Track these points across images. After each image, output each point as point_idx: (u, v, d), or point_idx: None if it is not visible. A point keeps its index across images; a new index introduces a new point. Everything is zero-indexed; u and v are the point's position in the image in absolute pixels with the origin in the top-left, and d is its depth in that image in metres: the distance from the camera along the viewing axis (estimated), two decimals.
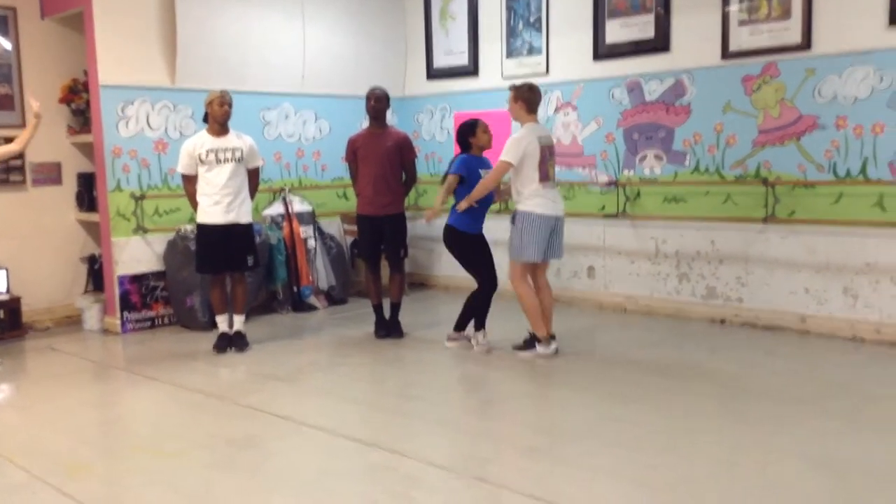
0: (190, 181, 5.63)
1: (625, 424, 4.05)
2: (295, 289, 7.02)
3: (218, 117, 5.56)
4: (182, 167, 5.61)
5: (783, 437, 3.83)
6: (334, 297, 7.30)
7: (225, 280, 5.74)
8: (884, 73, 5.29)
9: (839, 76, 5.48)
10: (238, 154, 5.58)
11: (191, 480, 3.53)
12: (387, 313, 6.05)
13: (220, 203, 5.53)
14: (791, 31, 5.64)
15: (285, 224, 7.04)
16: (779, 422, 4.04)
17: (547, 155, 5.18)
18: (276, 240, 6.91)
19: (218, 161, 5.52)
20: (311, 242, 7.16)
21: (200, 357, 5.64)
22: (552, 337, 5.33)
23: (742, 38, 5.88)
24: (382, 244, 5.97)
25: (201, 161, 5.52)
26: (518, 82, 5.39)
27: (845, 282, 5.58)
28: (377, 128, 5.95)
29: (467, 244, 5.43)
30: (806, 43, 5.59)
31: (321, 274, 7.23)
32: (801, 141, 5.69)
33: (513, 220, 5.24)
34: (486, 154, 5.51)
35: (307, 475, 3.55)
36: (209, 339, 5.88)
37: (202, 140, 5.57)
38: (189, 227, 6.42)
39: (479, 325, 5.51)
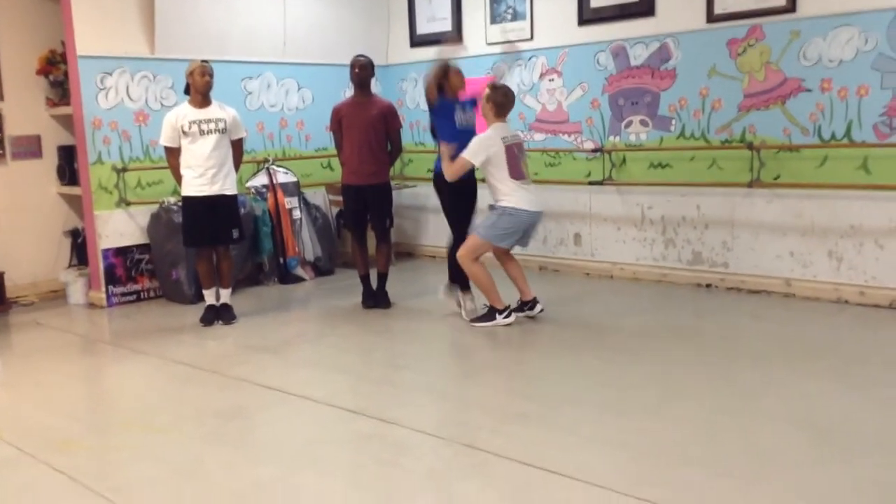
0: (173, 153, 5.56)
1: (612, 390, 4.07)
2: (281, 260, 6.99)
3: (200, 88, 5.48)
4: (164, 139, 5.53)
5: (769, 399, 3.87)
6: (321, 268, 7.28)
7: (211, 253, 5.70)
8: (868, 34, 5.27)
9: (824, 38, 5.46)
10: (222, 125, 5.51)
11: (179, 453, 3.53)
12: (374, 283, 6.04)
13: (204, 175, 5.47)
14: None
15: (270, 195, 6.99)
16: (765, 384, 4.07)
17: (515, 152, 5.20)
18: (261, 211, 6.87)
19: (202, 132, 5.45)
20: (297, 213, 7.12)
21: (187, 330, 5.62)
22: (534, 300, 5.37)
23: (727, 0, 5.83)
24: (368, 214, 5.94)
25: (184, 133, 5.45)
26: (499, 83, 5.41)
27: (830, 245, 5.61)
28: (362, 96, 5.90)
29: (447, 192, 5.44)
30: (791, 5, 5.55)
31: (307, 245, 7.20)
32: (786, 104, 5.68)
33: (492, 207, 5.28)
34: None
35: (295, 445, 3.56)
36: (195, 312, 5.86)
37: (184, 111, 5.49)
38: (173, 200, 6.37)
39: (466, 287, 5.51)
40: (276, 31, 7.23)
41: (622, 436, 3.49)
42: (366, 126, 5.77)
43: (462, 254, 5.24)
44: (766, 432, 3.48)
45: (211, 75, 5.52)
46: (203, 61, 5.54)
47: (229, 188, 5.59)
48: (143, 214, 6.49)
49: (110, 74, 6.28)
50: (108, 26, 6.24)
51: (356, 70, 5.86)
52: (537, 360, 4.75)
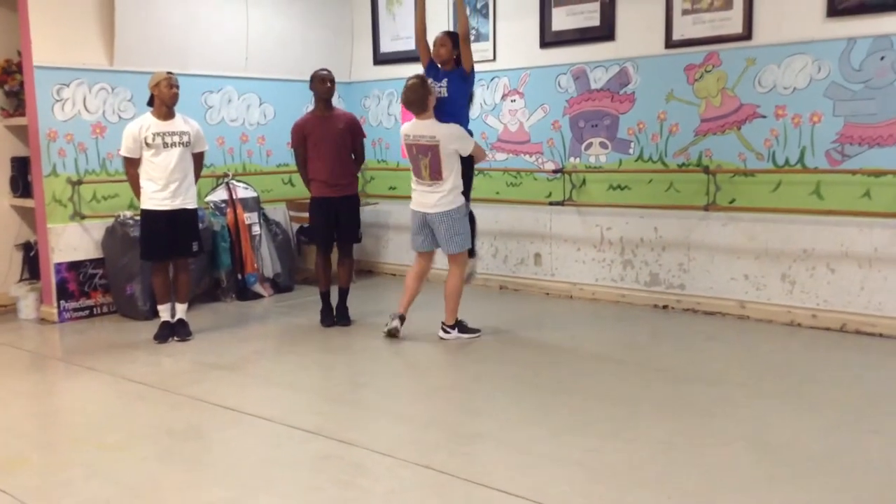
0: (132, 164, 5.47)
1: (570, 410, 4.09)
2: (239, 276, 6.91)
3: (167, 100, 5.41)
4: (125, 150, 5.44)
5: (723, 420, 3.92)
6: (280, 285, 7.21)
7: (168, 268, 5.62)
8: (821, 63, 5.42)
9: (778, 66, 5.60)
10: (185, 138, 5.46)
11: (132, 472, 3.46)
12: (334, 300, 6.01)
13: (167, 188, 5.42)
14: (733, 21, 5.73)
15: (229, 210, 6.92)
16: (719, 405, 4.13)
17: (415, 153, 5.28)
18: (220, 226, 6.80)
19: (165, 145, 5.39)
20: (256, 229, 7.06)
21: (141, 346, 5.52)
22: (402, 317, 5.52)
23: (685, 27, 5.96)
24: (336, 229, 5.93)
25: (147, 145, 5.37)
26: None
27: (783, 268, 5.73)
28: (326, 110, 5.90)
29: None
30: (747, 33, 5.69)
31: (266, 261, 7.13)
32: (742, 130, 5.80)
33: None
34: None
35: (250, 465, 3.51)
36: (150, 328, 5.76)
37: (148, 122, 5.41)
38: (129, 214, 6.28)
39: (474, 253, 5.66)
40: (238, 46, 7.20)
41: (578, 456, 3.50)
42: (335, 139, 5.80)
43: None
44: (721, 453, 3.53)
45: (177, 87, 5.46)
46: (168, 73, 5.48)
47: (190, 202, 5.54)
48: (97, 228, 6.38)
49: (67, 86, 6.18)
50: (66, 37, 6.15)
51: (328, 84, 5.85)
52: (495, 380, 4.75)
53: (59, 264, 6.19)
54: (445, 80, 5.43)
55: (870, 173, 5.29)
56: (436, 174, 5.24)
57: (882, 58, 5.17)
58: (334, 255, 6.06)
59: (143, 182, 5.44)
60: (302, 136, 5.85)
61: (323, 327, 5.91)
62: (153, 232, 5.47)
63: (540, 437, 3.74)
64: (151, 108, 5.47)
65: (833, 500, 3.07)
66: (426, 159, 5.26)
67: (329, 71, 5.95)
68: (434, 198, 5.29)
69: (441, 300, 5.45)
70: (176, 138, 5.43)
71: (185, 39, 6.80)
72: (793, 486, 3.18)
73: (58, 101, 6.14)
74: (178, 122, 5.49)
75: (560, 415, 4.04)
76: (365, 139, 6.11)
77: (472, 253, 5.57)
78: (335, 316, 5.97)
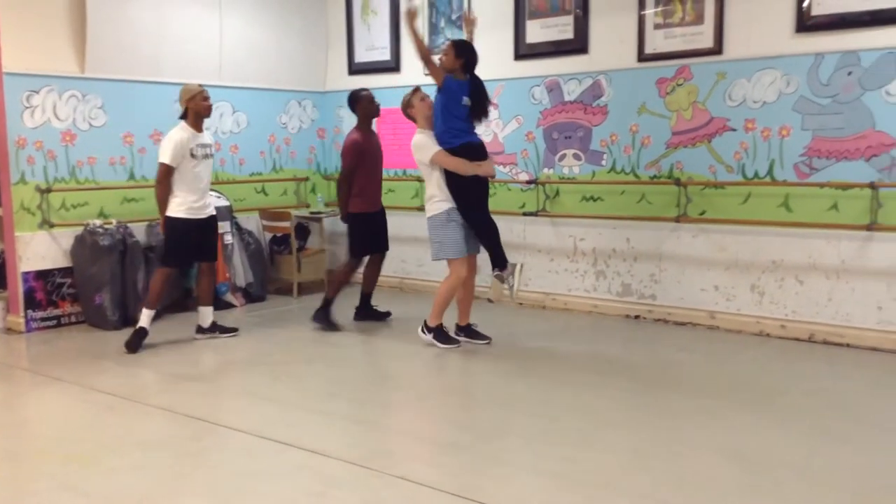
0: (171, 174, 5.50)
1: (544, 420, 4.10)
2: None
3: (203, 112, 5.57)
4: (171, 159, 5.43)
5: (695, 429, 3.96)
6: (252, 295, 7.15)
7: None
8: (790, 77, 5.51)
9: (748, 80, 5.69)
10: (211, 150, 5.71)
11: (100, 485, 3.40)
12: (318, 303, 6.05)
13: (202, 199, 5.62)
14: (704, 36, 5.82)
15: None
16: (690, 415, 4.17)
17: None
18: None
19: (203, 156, 5.58)
20: (229, 238, 7.00)
21: (110, 357, 5.44)
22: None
23: (657, 41, 6.03)
24: (378, 240, 6.30)
25: (192, 156, 5.48)
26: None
27: (752, 279, 5.80)
28: (370, 129, 6.22)
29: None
30: (718, 47, 5.77)
31: (238, 271, 7.08)
32: (712, 143, 5.88)
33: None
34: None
35: (222, 477, 3.47)
36: (119, 338, 5.68)
37: (189, 134, 5.50)
38: (98, 222, 6.21)
39: (498, 264, 5.39)
40: (212, 54, 7.15)
41: (553, 465, 3.51)
42: (379, 157, 6.22)
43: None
44: (693, 462, 3.56)
45: (210, 99, 5.66)
46: (199, 85, 5.64)
47: (213, 209, 5.82)
48: (66, 237, 6.28)
49: (37, 92, 6.10)
50: (36, 43, 6.07)
51: (377, 104, 6.19)
52: (469, 390, 4.75)
53: (26, 273, 6.09)
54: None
55: (837, 186, 5.38)
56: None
57: (849, 73, 5.28)
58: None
59: (178, 192, 5.50)
60: (361, 153, 5.99)
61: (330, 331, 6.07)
62: (185, 239, 5.56)
63: (515, 447, 3.75)
64: (184, 121, 5.55)
65: None
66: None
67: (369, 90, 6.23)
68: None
69: (415, 313, 5.44)
70: (208, 150, 5.64)
71: (157, 47, 6.74)
72: (765, 496, 3.22)
73: (27, 107, 6.05)
74: (207, 135, 5.72)
75: (535, 424, 4.05)
76: None
77: (502, 264, 5.38)
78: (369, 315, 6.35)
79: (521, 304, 5.57)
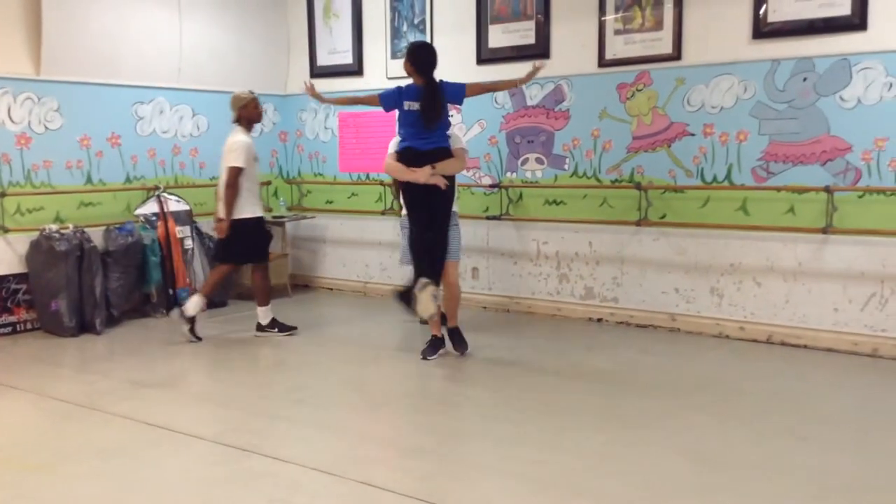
0: (241, 176, 5.70)
1: (508, 423, 4.11)
2: (171, 291, 6.74)
3: (256, 118, 5.91)
4: (244, 162, 5.68)
5: (657, 431, 4.00)
6: (213, 300, 7.05)
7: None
8: (747, 83, 5.61)
9: (706, 86, 5.77)
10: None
11: (59, 494, 3.33)
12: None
13: (260, 198, 6.03)
14: (663, 42, 5.89)
15: (160, 223, 6.76)
16: (653, 416, 4.21)
17: None
18: (150, 240, 6.62)
19: (256, 160, 5.86)
20: (189, 243, 6.91)
21: (67, 364, 5.33)
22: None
23: (617, 46, 6.10)
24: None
25: (256, 159, 5.83)
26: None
27: (712, 282, 5.89)
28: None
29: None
30: (676, 53, 5.86)
31: (199, 276, 6.98)
32: (672, 147, 5.96)
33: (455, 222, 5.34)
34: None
35: (181, 485, 3.41)
36: (76, 345, 5.58)
37: (251, 139, 5.81)
38: (55, 227, 6.09)
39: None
40: (171, 56, 7.06)
41: (519, 467, 3.52)
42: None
43: (456, 278, 5.35)
44: (656, 462, 3.59)
45: None
46: (250, 92, 5.89)
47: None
48: (21, 242, 6.13)
49: None
50: None
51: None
52: (434, 394, 4.75)
53: None
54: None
55: (793, 190, 5.49)
56: None
57: (804, 79, 5.39)
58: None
59: (245, 194, 5.74)
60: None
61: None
62: (252, 237, 5.85)
63: (480, 451, 3.75)
64: (239, 127, 5.81)
65: None
66: None
67: None
68: None
69: (379, 317, 5.41)
70: (258, 154, 5.95)
71: (115, 48, 6.63)
72: (726, 494, 3.26)
73: None
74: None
75: (499, 428, 4.05)
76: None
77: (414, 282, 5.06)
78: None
79: (424, 322, 5.39)
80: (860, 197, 5.29)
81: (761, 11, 5.49)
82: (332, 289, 7.88)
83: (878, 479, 3.39)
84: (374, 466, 3.59)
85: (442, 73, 7.07)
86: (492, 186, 6.78)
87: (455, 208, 5.34)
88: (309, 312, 6.91)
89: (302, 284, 8.04)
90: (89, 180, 6.59)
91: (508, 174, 6.76)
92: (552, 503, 3.19)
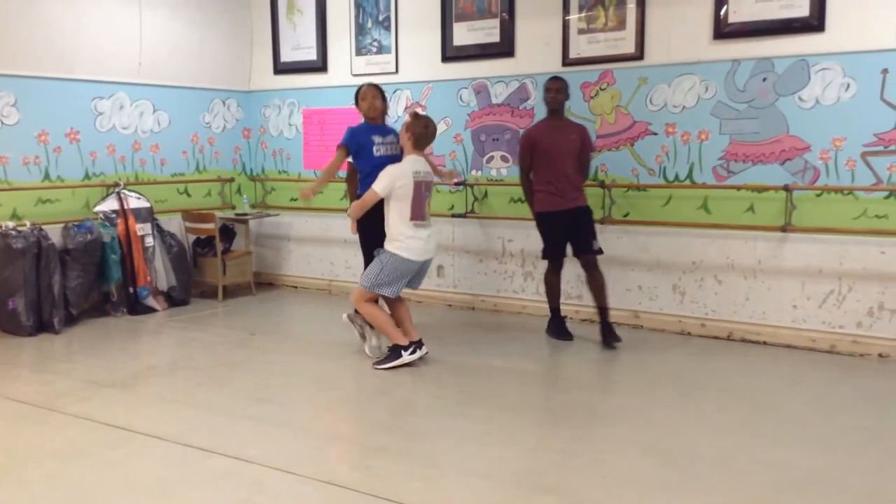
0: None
1: (471, 421, 4.11)
2: (131, 290, 6.64)
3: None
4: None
5: (620, 427, 4.03)
6: (175, 299, 6.97)
7: None
8: (709, 83, 5.68)
9: (668, 85, 5.83)
10: None
11: (14, 497, 3.26)
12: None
13: None
14: (626, 42, 5.94)
15: (119, 221, 6.64)
16: (614, 413, 4.25)
17: (423, 191, 5.03)
18: (110, 237, 6.51)
19: None
20: (150, 240, 6.80)
21: (25, 364, 5.23)
22: (419, 341, 5.17)
23: (581, 45, 6.14)
24: (568, 241, 5.66)
25: None
26: (420, 111, 5.29)
27: (674, 279, 5.95)
28: (556, 121, 5.62)
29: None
30: (639, 53, 5.91)
31: (160, 274, 6.89)
32: (635, 146, 6.01)
33: (376, 253, 5.04)
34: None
35: (142, 487, 3.36)
36: (34, 344, 5.47)
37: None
38: (11, 224, 5.96)
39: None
40: (131, 50, 6.94)
41: (481, 465, 3.52)
42: (569, 151, 5.53)
43: (354, 299, 5.07)
44: (618, 459, 3.62)
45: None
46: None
47: None
48: None
49: None
50: None
51: (552, 93, 5.56)
52: (398, 393, 4.73)
53: None
54: (392, 136, 5.31)
55: (753, 189, 5.57)
56: (427, 213, 5.11)
57: (764, 79, 5.47)
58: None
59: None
60: (531, 146, 5.58)
61: (562, 340, 5.74)
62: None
63: (444, 449, 3.75)
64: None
65: (725, 501, 3.20)
66: (430, 197, 5.11)
67: (559, 79, 5.63)
68: (434, 241, 5.15)
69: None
70: None
71: (73, 42, 6.51)
72: (687, 489, 3.30)
73: None
74: None
75: (463, 426, 4.06)
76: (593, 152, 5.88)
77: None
78: (605, 337, 5.57)
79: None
80: (818, 196, 5.39)
81: (722, 12, 5.56)
82: (296, 287, 7.82)
83: (834, 474, 3.46)
84: (337, 465, 3.58)
85: (407, 71, 7.09)
86: (457, 184, 6.78)
87: (387, 247, 5.02)
88: (273, 311, 6.85)
89: (266, 283, 7.97)
90: (47, 176, 6.46)
91: (474, 172, 6.77)
92: (514, 500, 3.20)
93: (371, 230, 5.15)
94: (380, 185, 4.91)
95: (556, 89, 5.56)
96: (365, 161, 5.19)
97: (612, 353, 5.42)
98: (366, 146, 5.19)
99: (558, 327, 5.85)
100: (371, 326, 5.35)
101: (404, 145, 5.11)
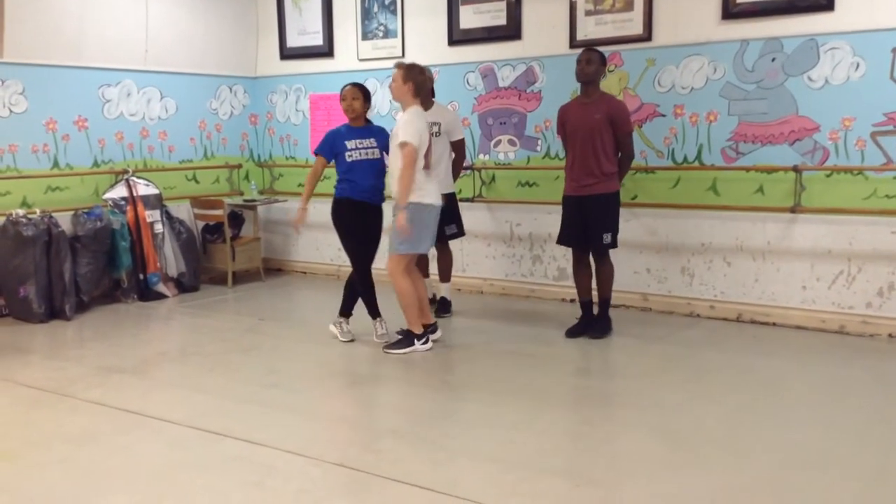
0: None
1: (481, 405, 4.13)
2: (141, 276, 6.68)
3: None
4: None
5: (628, 409, 4.04)
6: (185, 285, 7.01)
7: None
8: (717, 64, 5.64)
9: (677, 66, 5.79)
10: None
11: (27, 482, 3.30)
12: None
13: None
14: (634, 23, 5.90)
15: (129, 208, 6.67)
16: (624, 395, 4.25)
17: (431, 140, 5.06)
18: (120, 224, 6.54)
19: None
20: (159, 227, 6.83)
21: (37, 350, 5.27)
22: (434, 325, 5.21)
23: (588, 27, 6.10)
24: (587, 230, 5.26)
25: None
26: (406, 61, 5.12)
27: (682, 262, 5.94)
28: (586, 97, 5.19)
29: (344, 220, 5.24)
30: (647, 34, 5.87)
31: (170, 260, 6.92)
32: (643, 128, 5.98)
33: (394, 214, 4.96)
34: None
35: (153, 470, 3.39)
36: (45, 331, 5.51)
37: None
38: (21, 212, 5.99)
39: (374, 314, 5.35)
40: (137, 37, 6.94)
41: (491, 449, 3.54)
42: (589, 130, 5.11)
43: (393, 273, 4.96)
44: (626, 441, 3.63)
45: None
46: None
47: None
48: None
49: None
50: None
51: (581, 65, 5.11)
52: (407, 376, 4.75)
53: None
54: (373, 139, 5.20)
55: (762, 170, 5.54)
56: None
57: (773, 59, 5.43)
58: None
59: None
60: (562, 124, 5.33)
61: (566, 337, 5.34)
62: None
63: (454, 432, 3.77)
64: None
65: (732, 481, 3.20)
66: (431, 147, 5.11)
67: (593, 50, 5.22)
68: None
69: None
70: None
71: (80, 30, 6.51)
72: (695, 470, 3.31)
73: None
74: None
75: (472, 409, 4.08)
76: (632, 131, 5.34)
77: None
78: (591, 327, 5.36)
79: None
80: (828, 176, 5.36)
81: None
82: (305, 272, 7.84)
83: (841, 454, 3.46)
84: (347, 448, 3.60)
85: (414, 56, 7.06)
86: (465, 168, 6.76)
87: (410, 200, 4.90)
88: (282, 296, 6.88)
89: (275, 268, 8.00)
90: (56, 164, 6.49)
91: (481, 156, 6.75)
92: (522, 482, 3.21)
93: (359, 229, 5.19)
94: (413, 138, 4.76)
95: (584, 60, 5.10)
96: (342, 163, 5.16)
97: (621, 336, 5.40)
98: (341, 152, 5.12)
99: (581, 320, 5.45)
100: (375, 317, 5.32)
101: (403, 98, 4.95)
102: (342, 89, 5.24)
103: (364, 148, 5.16)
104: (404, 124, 4.82)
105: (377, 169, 5.20)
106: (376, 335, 5.31)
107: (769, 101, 5.47)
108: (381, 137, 5.21)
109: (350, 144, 5.13)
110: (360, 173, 5.13)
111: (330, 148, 5.20)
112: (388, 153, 5.12)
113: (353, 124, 5.22)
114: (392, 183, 4.96)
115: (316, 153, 5.30)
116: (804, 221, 5.46)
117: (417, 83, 4.93)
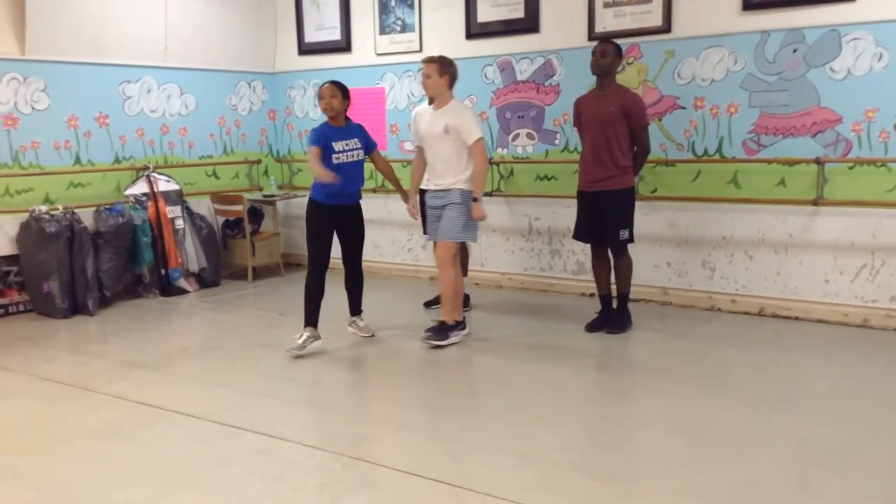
0: None
1: (499, 399, 4.13)
2: (163, 272, 6.73)
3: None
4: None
5: (647, 403, 4.02)
6: (206, 280, 7.06)
7: None
8: (738, 55, 5.58)
9: (697, 58, 5.74)
10: None
11: (52, 475, 3.34)
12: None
13: None
14: (653, 14, 5.85)
15: (150, 204, 6.73)
16: (641, 390, 4.24)
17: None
18: (141, 220, 6.60)
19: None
20: (180, 223, 6.88)
21: (60, 346, 5.33)
22: (463, 320, 5.22)
23: (607, 19, 6.06)
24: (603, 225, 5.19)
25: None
26: (436, 55, 5.13)
27: (703, 255, 5.90)
28: (600, 89, 5.15)
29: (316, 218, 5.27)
30: (666, 26, 5.82)
31: (191, 256, 6.97)
32: (663, 121, 5.94)
33: (451, 200, 5.01)
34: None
35: (175, 464, 3.43)
36: (69, 326, 5.58)
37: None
38: (44, 208, 6.07)
39: (355, 311, 5.41)
40: (157, 34, 6.99)
41: (509, 443, 3.54)
42: (603, 123, 5.05)
43: (445, 261, 5.01)
44: (644, 436, 3.62)
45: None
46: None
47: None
48: (11, 223, 6.11)
49: None
50: None
51: (596, 56, 5.05)
52: (425, 371, 4.76)
53: None
54: (356, 139, 5.07)
55: (784, 162, 5.49)
56: None
57: (794, 50, 5.37)
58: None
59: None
60: (577, 116, 5.30)
61: (585, 332, 5.31)
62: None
63: (472, 426, 3.77)
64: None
65: (750, 476, 3.18)
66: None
67: (609, 42, 5.14)
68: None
69: (371, 295, 5.41)
70: None
71: (100, 27, 6.57)
72: (713, 465, 3.29)
73: None
74: None
75: (491, 403, 4.08)
76: (647, 125, 5.19)
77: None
78: (605, 322, 5.33)
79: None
80: (850, 168, 5.29)
81: None
82: None
83: (860, 449, 3.42)
84: (366, 442, 3.61)
85: (431, 50, 7.04)
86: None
87: (463, 188, 5.08)
88: (301, 291, 6.89)
89: (294, 263, 8.03)
90: (78, 161, 6.55)
91: (499, 150, 6.74)
92: (539, 477, 3.21)
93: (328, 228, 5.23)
94: (481, 131, 5.06)
95: (599, 52, 5.03)
96: (327, 163, 4.93)
97: (641, 330, 5.38)
98: (329, 153, 4.97)
99: (601, 315, 5.41)
100: (309, 325, 5.09)
101: (440, 91, 5.03)
102: (320, 87, 5.09)
103: (350, 150, 5.06)
104: (466, 120, 5.00)
105: (361, 168, 5.17)
106: (296, 345, 4.98)
107: (790, 92, 5.41)
108: (363, 136, 5.14)
109: (338, 146, 4.99)
110: (345, 176, 4.96)
111: (325, 143, 4.99)
112: (370, 150, 5.15)
113: (334, 123, 5.05)
114: (442, 169, 5.07)
115: (310, 147, 4.98)
116: (826, 214, 5.40)
117: (452, 75, 5.05)
